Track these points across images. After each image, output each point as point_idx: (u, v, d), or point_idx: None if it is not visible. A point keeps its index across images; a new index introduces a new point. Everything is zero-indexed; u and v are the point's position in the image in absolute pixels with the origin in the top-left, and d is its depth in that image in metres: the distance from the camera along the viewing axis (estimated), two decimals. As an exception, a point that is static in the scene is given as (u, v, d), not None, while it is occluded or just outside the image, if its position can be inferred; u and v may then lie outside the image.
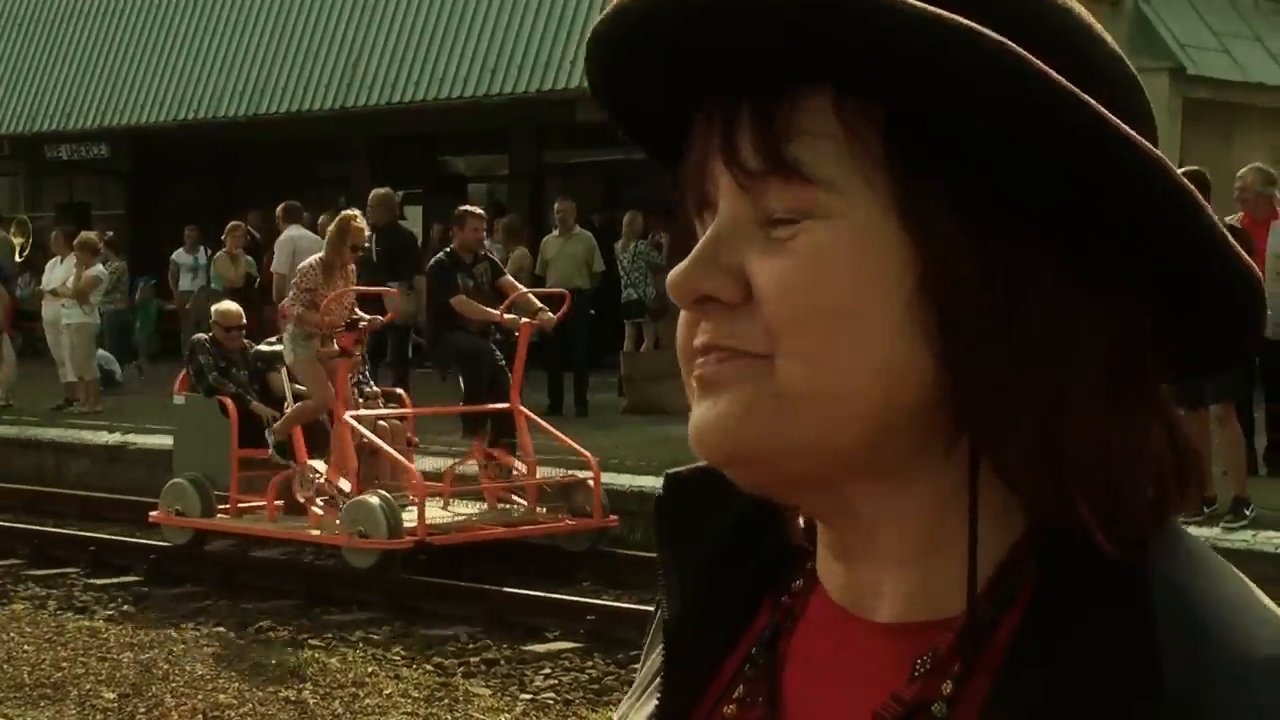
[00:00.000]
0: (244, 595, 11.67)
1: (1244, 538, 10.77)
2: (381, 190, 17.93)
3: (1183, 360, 1.00)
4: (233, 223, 19.54)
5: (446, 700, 8.81)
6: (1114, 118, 0.90)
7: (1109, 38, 1.00)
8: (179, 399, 13.57)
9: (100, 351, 21.08)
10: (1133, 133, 0.90)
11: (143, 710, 8.74)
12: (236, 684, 9.19)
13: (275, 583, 11.89)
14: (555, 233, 18.65)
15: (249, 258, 19.35)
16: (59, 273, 20.30)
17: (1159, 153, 0.91)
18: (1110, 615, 0.91)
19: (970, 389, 0.93)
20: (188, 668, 9.55)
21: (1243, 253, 0.95)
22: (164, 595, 11.73)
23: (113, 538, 13.65)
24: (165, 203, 30.72)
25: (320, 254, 12.47)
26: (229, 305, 14.06)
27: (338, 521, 11.73)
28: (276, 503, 12.53)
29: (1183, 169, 11.39)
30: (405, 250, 17.47)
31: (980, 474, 0.95)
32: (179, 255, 23.40)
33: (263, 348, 13.42)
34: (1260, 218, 12.08)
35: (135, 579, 12.29)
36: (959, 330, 0.93)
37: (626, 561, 11.61)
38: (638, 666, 1.17)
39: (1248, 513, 11.09)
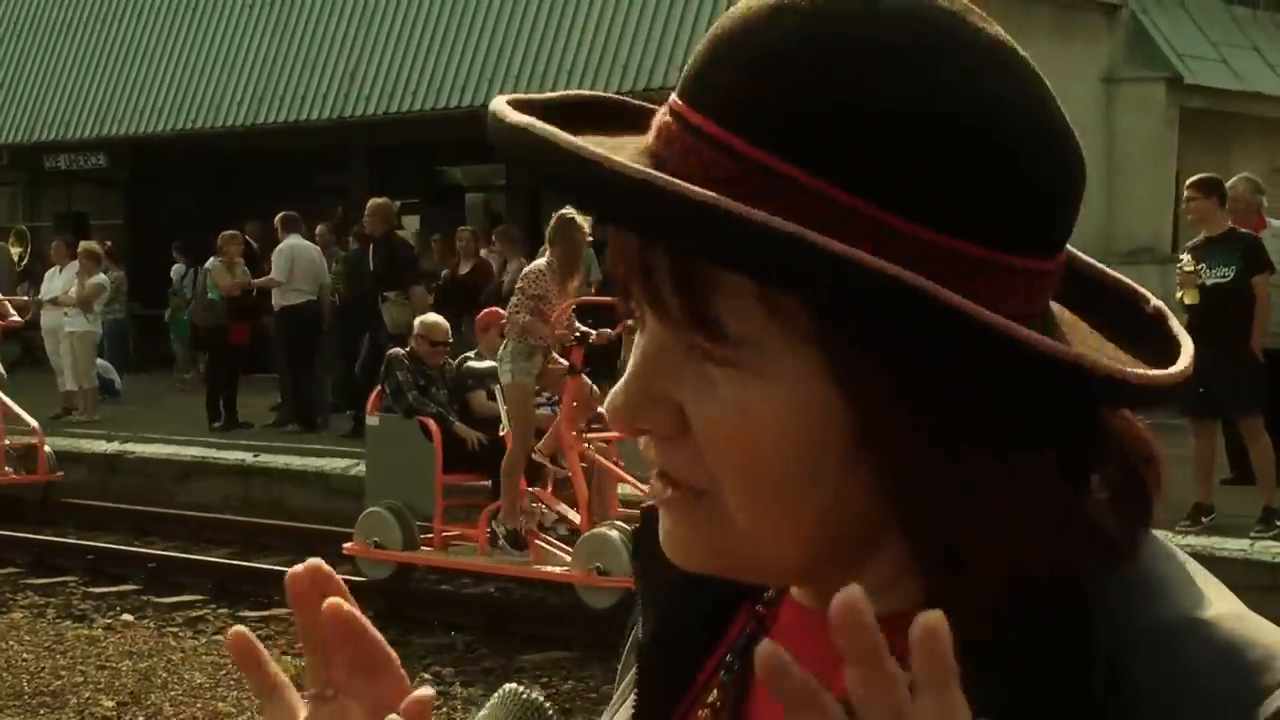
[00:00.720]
0: (241, 603, 11.67)
1: (1277, 549, 10.80)
2: (379, 200, 17.92)
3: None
4: (228, 232, 19.51)
5: (445, 709, 8.81)
6: (943, 297, 0.89)
7: (1020, 104, 0.96)
8: (372, 420, 12.33)
9: (99, 361, 21.08)
10: (1022, 333, 0.91)
11: (142, 718, 8.75)
12: (235, 693, 9.19)
13: (272, 591, 11.89)
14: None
15: (245, 267, 19.34)
16: (58, 282, 20.31)
17: (1049, 347, 0.92)
18: (1044, 610, 0.94)
19: (916, 525, 0.96)
20: (186, 676, 9.56)
21: (1160, 378, 0.96)
22: (162, 604, 11.73)
23: (111, 546, 13.65)
24: (163, 212, 30.73)
25: (547, 257, 11.16)
26: (435, 319, 12.68)
27: (568, 557, 10.69)
28: (485, 533, 11.39)
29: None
30: (402, 260, 17.47)
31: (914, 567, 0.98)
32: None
33: (473, 364, 12.19)
34: (1249, 226, 12.20)
35: (134, 587, 12.29)
36: (903, 475, 0.94)
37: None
38: (616, 688, 1.21)
39: (1279, 523, 11.16)
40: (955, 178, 0.93)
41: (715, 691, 1.08)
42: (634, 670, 1.14)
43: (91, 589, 12.31)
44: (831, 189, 0.91)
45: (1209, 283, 11.28)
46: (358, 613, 1.04)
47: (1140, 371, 0.96)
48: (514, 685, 1.09)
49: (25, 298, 16.13)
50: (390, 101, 24.24)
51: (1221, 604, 0.96)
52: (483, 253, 19.78)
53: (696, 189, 0.90)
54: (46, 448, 15.75)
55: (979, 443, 0.94)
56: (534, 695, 1.08)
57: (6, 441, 15.68)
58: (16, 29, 29.93)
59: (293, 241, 18.26)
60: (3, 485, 15.63)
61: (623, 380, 0.99)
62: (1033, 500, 0.94)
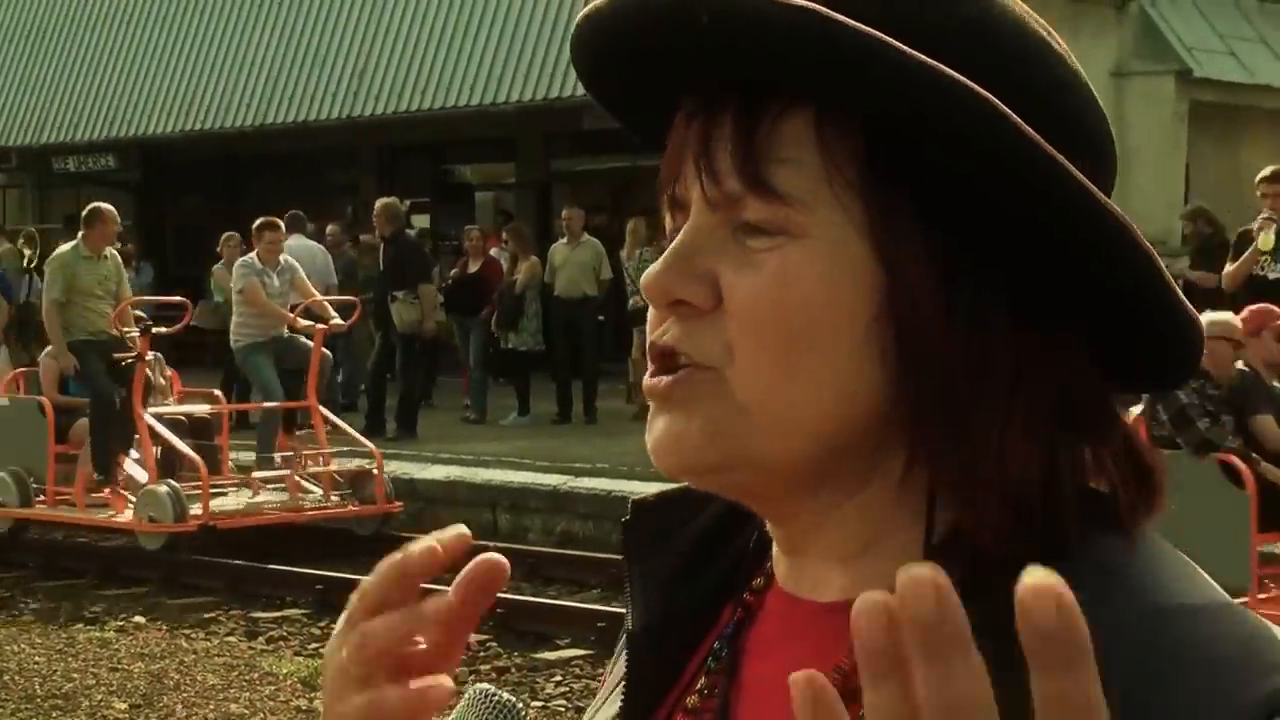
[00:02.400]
0: (254, 605, 11.67)
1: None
2: (387, 199, 17.95)
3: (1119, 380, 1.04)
4: (228, 234, 19.50)
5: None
6: (1071, 171, 0.93)
7: (1064, 57, 1.03)
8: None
9: None
10: (1091, 189, 0.93)
11: (154, 720, 8.75)
12: (248, 694, 9.19)
13: (286, 592, 11.89)
14: (563, 240, 18.66)
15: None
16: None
17: (1113, 207, 0.94)
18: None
19: (922, 413, 0.97)
20: (199, 678, 9.55)
21: (1183, 300, 0.99)
22: (174, 605, 11.73)
23: (123, 547, 13.66)
24: (173, 213, 30.77)
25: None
26: None
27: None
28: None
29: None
30: (413, 259, 17.49)
31: (916, 474, 1.00)
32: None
33: None
34: None
35: (145, 589, 12.29)
36: (918, 359, 0.97)
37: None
38: (605, 681, 1.22)
39: None
40: (1019, 80, 0.98)
41: (703, 679, 1.09)
42: (623, 660, 1.15)
43: (103, 591, 12.31)
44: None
45: (1271, 276, 11.13)
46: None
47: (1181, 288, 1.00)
48: (485, 685, 1.09)
49: (355, 299, 15.35)
50: (399, 101, 24.24)
51: (1207, 594, 0.96)
52: (493, 251, 19.77)
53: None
54: (385, 474, 13.61)
55: (1000, 336, 0.96)
56: (505, 696, 1.08)
57: (334, 466, 13.79)
58: (25, 31, 29.96)
59: (293, 241, 18.22)
60: (333, 518, 13.62)
61: (663, 256, 1.01)
62: (1034, 423, 0.96)
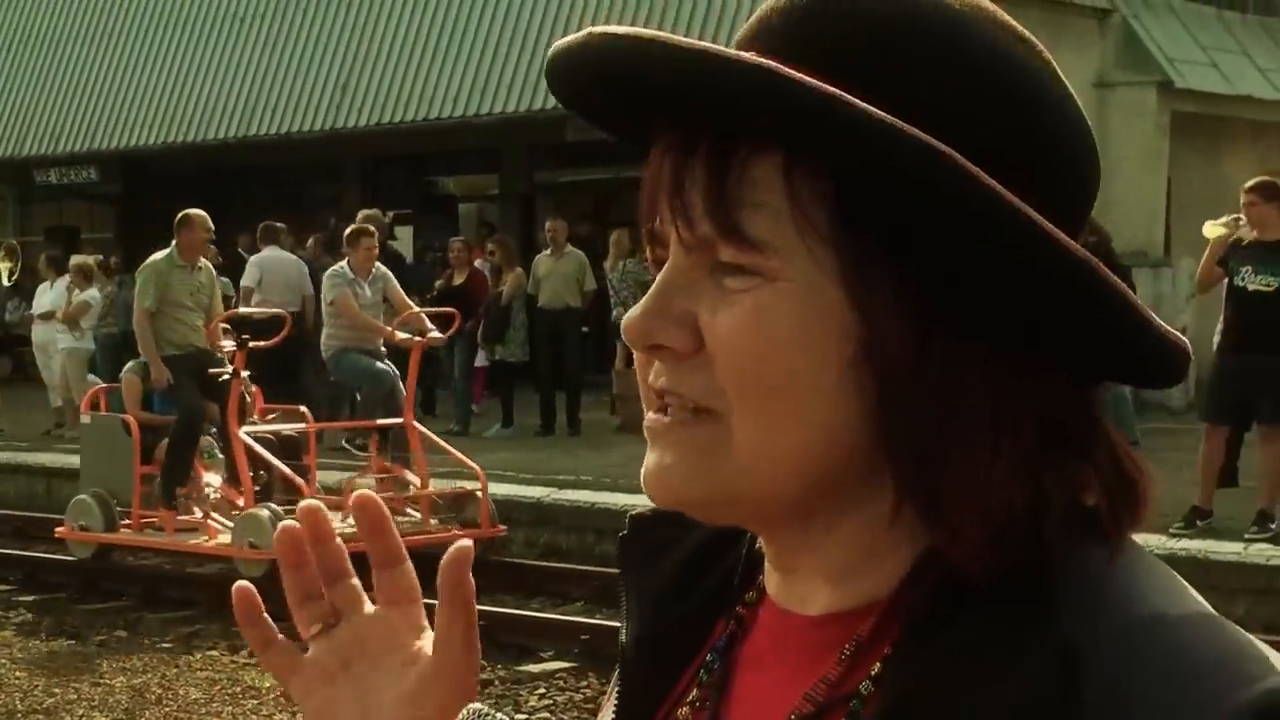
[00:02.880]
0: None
1: (1271, 552, 10.73)
2: (369, 211, 17.91)
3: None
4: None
5: (441, 722, 8.78)
6: (1018, 209, 0.94)
7: (1039, 73, 1.02)
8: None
9: (90, 376, 20.99)
10: (1042, 227, 0.95)
11: (136, 735, 8.72)
12: (230, 708, 9.16)
13: (269, 606, 11.82)
14: (547, 252, 18.65)
15: (224, 279, 19.22)
16: (49, 297, 20.26)
17: (1069, 245, 0.95)
18: (1009, 594, 0.96)
19: (900, 450, 0.98)
20: (181, 692, 9.51)
21: (1151, 320, 1.00)
22: (156, 620, 11.68)
23: (103, 563, 13.61)
24: (155, 226, 30.72)
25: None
26: None
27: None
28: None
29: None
30: (392, 271, 17.37)
31: (906, 503, 1.01)
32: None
33: None
34: None
35: (127, 603, 12.25)
36: (894, 399, 0.98)
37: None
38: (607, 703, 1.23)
39: (1273, 526, 11.08)
40: (986, 114, 0.99)
41: (695, 691, 1.11)
42: (616, 676, 1.17)
43: (84, 605, 12.26)
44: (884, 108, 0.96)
45: (1250, 288, 11.08)
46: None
47: (1160, 324, 1.00)
48: (478, 705, 1.14)
49: (452, 310, 14.39)
50: (382, 113, 24.24)
51: (1188, 605, 0.97)
52: (477, 263, 19.76)
53: (779, 67, 0.95)
54: (489, 496, 12.87)
55: (977, 370, 0.97)
56: (500, 716, 1.11)
57: (433, 488, 13.10)
58: (6, 44, 29.94)
59: (267, 253, 18.18)
60: (434, 543, 11.71)
61: (642, 300, 1.03)
62: (1016, 450, 0.97)
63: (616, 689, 1.16)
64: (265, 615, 1.18)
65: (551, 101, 23.80)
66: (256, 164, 27.52)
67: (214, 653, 10.57)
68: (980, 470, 0.97)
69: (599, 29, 1.02)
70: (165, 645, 10.82)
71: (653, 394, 1.04)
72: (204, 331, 12.87)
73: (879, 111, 0.93)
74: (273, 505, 11.85)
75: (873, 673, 0.99)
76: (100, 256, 24.22)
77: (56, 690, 9.63)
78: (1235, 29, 23.05)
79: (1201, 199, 19.40)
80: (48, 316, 20.06)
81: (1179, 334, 1.02)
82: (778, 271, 0.98)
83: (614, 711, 1.15)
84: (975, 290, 0.97)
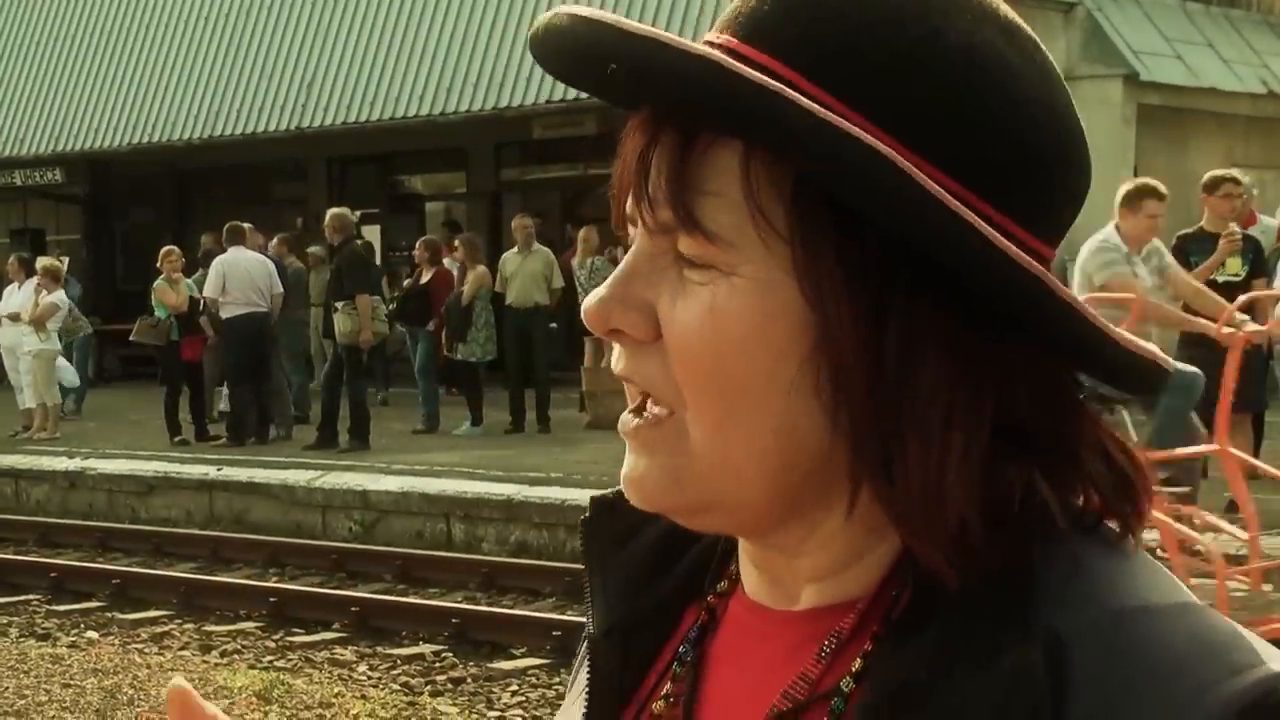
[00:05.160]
0: (207, 618, 11.61)
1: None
2: (338, 209, 17.89)
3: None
4: (166, 248, 19.35)
5: (414, 720, 8.79)
6: (945, 203, 0.93)
7: (1021, 68, 1.00)
8: None
9: (62, 362, 20.78)
10: (975, 225, 0.93)
11: (108, 737, 8.70)
12: (202, 708, 9.12)
13: (239, 605, 11.84)
14: (514, 250, 18.63)
15: (189, 280, 19.17)
16: (16, 299, 20.18)
17: (1006, 246, 0.94)
18: (991, 589, 0.96)
19: (858, 447, 0.98)
20: (153, 692, 9.49)
21: (1114, 333, 0.98)
22: (126, 620, 11.66)
23: (74, 564, 13.57)
24: (121, 227, 30.61)
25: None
26: None
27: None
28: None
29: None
30: (352, 269, 17.34)
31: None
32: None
33: None
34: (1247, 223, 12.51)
35: (98, 604, 12.21)
36: (850, 396, 0.97)
37: (592, 577, 11.60)
38: (569, 690, 1.22)
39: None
40: (952, 114, 0.97)
41: (669, 685, 1.09)
42: (585, 666, 1.15)
43: (55, 606, 12.22)
44: (839, 104, 0.96)
45: (1220, 280, 11.18)
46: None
47: (1114, 329, 0.99)
48: None
49: None
50: (348, 112, 24.19)
51: (1175, 596, 0.96)
52: (446, 261, 19.75)
53: (738, 67, 0.94)
54: None
55: (933, 368, 0.96)
56: None
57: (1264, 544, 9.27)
58: (-31, 45, 29.77)
59: (230, 255, 18.13)
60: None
61: (603, 287, 1.02)
62: (976, 444, 0.96)
63: (587, 680, 1.14)
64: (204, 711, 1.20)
65: (519, 99, 23.95)
66: (222, 164, 27.44)
67: (185, 652, 10.54)
68: (938, 465, 0.96)
69: (565, 9, 1.01)
70: (136, 646, 10.79)
71: (631, 392, 1.03)
72: None
73: (815, 106, 0.92)
74: None
75: (854, 669, 0.98)
76: (67, 258, 24.15)
77: (27, 692, 9.60)
78: (1199, 21, 23.13)
79: (1168, 190, 19.44)
80: (15, 318, 19.96)
81: (1146, 345, 1.01)
82: (734, 266, 0.97)
83: (584, 706, 1.13)
84: (925, 288, 0.96)
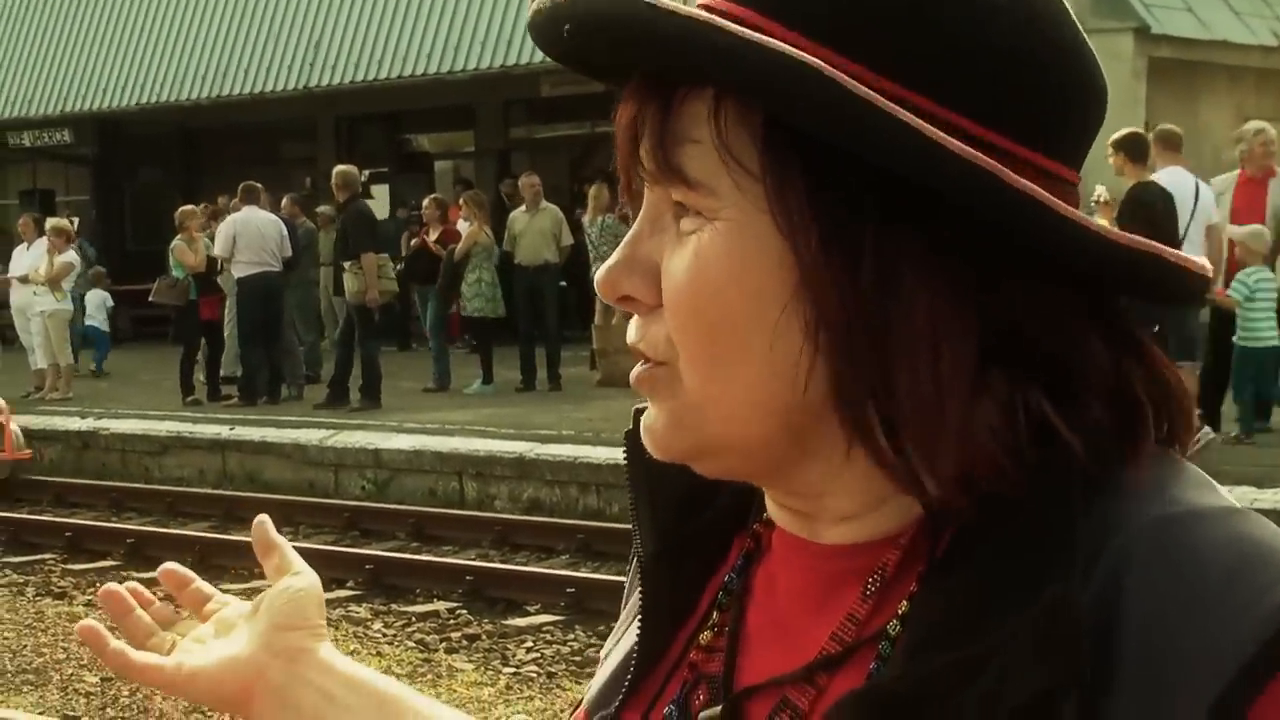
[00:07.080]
0: (221, 576, 11.66)
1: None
2: (344, 167, 17.78)
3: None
4: (186, 207, 19.26)
5: (430, 676, 8.83)
6: (895, 116, 0.92)
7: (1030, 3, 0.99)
8: None
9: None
10: (955, 146, 0.92)
11: (126, 693, 8.75)
12: (217, 666, 9.17)
13: (252, 564, 11.87)
14: (522, 208, 18.59)
15: (207, 239, 19.12)
16: (27, 259, 20.19)
17: (968, 154, 0.92)
18: (1025, 519, 0.95)
19: (844, 380, 0.97)
20: (168, 651, 9.55)
21: (1095, 227, 0.96)
22: (142, 579, 11.67)
23: (89, 523, 13.63)
24: (130, 187, 30.62)
25: None
26: None
27: None
28: None
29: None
30: (357, 228, 17.26)
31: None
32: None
33: None
34: (1259, 175, 12.51)
35: (113, 563, 12.26)
36: (832, 327, 0.96)
37: (605, 534, 11.65)
38: (622, 610, 1.23)
39: None
40: (958, 49, 0.97)
41: (715, 614, 1.10)
42: (638, 588, 1.16)
43: (70, 565, 12.28)
44: (825, 49, 0.96)
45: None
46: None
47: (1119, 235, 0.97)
48: (524, 717, 1.14)
49: None
50: (356, 70, 24.15)
51: (1218, 500, 0.96)
52: (460, 224, 19.71)
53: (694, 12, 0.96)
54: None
55: (913, 295, 0.95)
56: None
57: None
58: (-23, 6, 29.74)
59: (242, 214, 18.09)
60: None
61: (613, 255, 1.04)
62: (964, 368, 0.96)
63: (639, 604, 1.14)
64: (135, 610, 1.39)
65: (526, 57, 23.82)
66: (230, 124, 27.43)
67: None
68: (929, 394, 0.95)
69: None
70: (151, 605, 10.85)
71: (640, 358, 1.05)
72: None
73: (750, 33, 0.93)
74: None
75: (900, 611, 0.98)
76: (76, 219, 24.15)
77: (45, 650, 9.67)
78: (1209, -27, 23.01)
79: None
80: (24, 280, 19.99)
81: (1150, 242, 0.98)
82: (715, 211, 0.98)
83: (638, 632, 1.13)
84: (900, 218, 0.95)
